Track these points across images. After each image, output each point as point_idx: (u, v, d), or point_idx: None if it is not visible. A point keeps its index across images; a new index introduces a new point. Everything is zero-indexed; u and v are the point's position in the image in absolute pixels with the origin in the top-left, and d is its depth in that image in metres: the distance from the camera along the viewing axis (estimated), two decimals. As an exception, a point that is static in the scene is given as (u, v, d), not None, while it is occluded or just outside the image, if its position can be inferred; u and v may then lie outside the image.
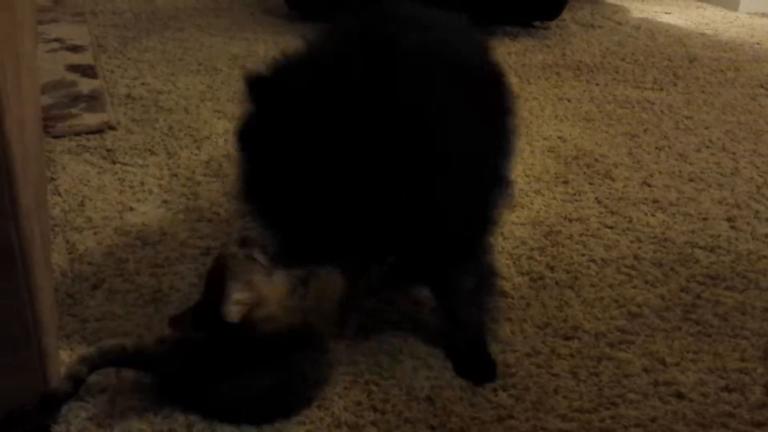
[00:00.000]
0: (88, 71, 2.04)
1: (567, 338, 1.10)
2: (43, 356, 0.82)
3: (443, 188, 0.85)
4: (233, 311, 0.91)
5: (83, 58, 2.15)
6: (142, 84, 1.99)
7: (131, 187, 1.46)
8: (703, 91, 2.14)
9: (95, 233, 1.31)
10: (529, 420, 0.96)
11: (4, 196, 0.74)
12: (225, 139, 1.68)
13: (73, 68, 2.06)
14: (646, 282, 1.25)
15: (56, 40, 2.30)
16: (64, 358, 1.01)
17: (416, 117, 0.81)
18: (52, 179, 1.48)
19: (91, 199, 1.41)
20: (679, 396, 1.01)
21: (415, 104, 0.81)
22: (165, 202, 1.42)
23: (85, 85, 1.94)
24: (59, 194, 1.43)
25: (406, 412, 0.95)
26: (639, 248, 1.34)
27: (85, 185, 1.47)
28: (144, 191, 1.45)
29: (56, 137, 1.66)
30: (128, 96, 1.90)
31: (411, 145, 0.80)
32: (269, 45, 2.32)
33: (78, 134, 1.67)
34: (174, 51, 2.26)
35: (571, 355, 1.07)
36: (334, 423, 0.93)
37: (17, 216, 0.75)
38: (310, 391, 0.95)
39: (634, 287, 1.23)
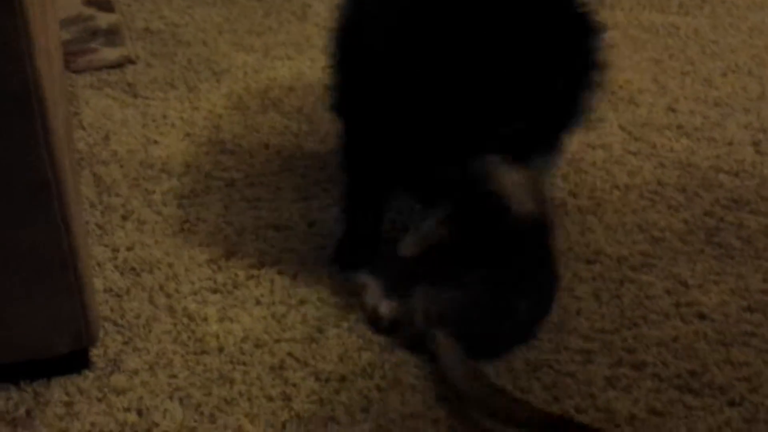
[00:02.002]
0: (104, 5, 2.02)
1: (589, 262, 1.11)
2: (79, 282, 0.85)
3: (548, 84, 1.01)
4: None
5: (99, -7, 2.13)
6: (159, 17, 1.97)
7: (154, 120, 1.47)
8: (729, 15, 2.09)
9: (121, 166, 1.33)
10: (552, 340, 0.98)
11: (38, 128, 0.76)
12: (244, 72, 1.67)
13: (90, 2, 2.04)
14: (669, 207, 1.25)
15: (71, -26, 2.28)
16: (98, 285, 1.04)
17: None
18: (76, 114, 1.49)
19: (115, 133, 1.43)
20: (701, 316, 1.02)
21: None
22: (188, 135, 1.43)
23: (103, 20, 1.93)
24: (83, 128, 1.44)
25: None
26: (662, 174, 1.34)
27: (109, 119, 1.48)
28: (167, 124, 1.46)
29: (77, 72, 1.66)
30: (146, 29, 1.89)
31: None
32: (285, -24, 2.28)
33: (98, 69, 1.67)
34: (190, -16, 2.23)
35: (593, 279, 1.08)
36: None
37: (51, 148, 0.77)
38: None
39: (657, 212, 1.23)
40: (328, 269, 1.11)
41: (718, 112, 1.56)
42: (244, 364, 0.95)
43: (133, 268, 1.10)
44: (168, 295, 1.05)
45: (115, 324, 1.00)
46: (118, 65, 1.69)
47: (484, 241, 0.95)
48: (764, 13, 2.10)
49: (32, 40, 0.75)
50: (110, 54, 1.73)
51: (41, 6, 0.94)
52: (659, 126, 1.49)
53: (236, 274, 1.10)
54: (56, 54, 1.17)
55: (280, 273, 1.10)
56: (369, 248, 1.12)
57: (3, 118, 0.76)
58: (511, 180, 0.95)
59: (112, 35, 1.82)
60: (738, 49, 1.87)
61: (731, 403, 0.91)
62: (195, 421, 0.89)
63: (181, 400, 0.91)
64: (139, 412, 0.89)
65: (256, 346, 0.98)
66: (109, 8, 1.99)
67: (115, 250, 1.13)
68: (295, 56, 1.76)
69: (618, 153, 1.40)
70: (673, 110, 1.56)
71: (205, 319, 1.02)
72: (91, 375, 0.93)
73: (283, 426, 0.88)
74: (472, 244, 0.95)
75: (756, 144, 1.44)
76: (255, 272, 1.10)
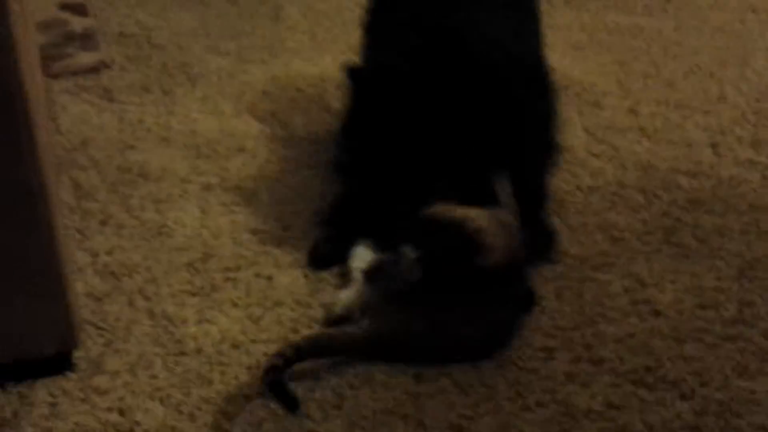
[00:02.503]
0: (79, 9, 2.03)
1: (552, 262, 1.16)
2: (63, 286, 0.88)
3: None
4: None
5: (74, -5, 2.14)
6: (134, 21, 1.99)
7: (130, 125, 1.50)
8: (693, 16, 2.15)
9: (99, 171, 1.36)
10: (516, 338, 1.03)
11: (24, 138, 0.79)
12: (219, 76, 1.70)
13: (65, 6, 2.05)
14: (629, 208, 1.30)
15: (45, -24, 2.29)
16: (79, 289, 1.08)
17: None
18: (53, 119, 1.51)
19: (92, 138, 1.45)
20: (657, 313, 1.08)
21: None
22: (164, 139, 1.46)
23: (78, 24, 1.94)
24: (61, 133, 1.46)
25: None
26: (624, 175, 1.40)
27: (86, 124, 1.50)
28: (143, 129, 1.49)
29: (53, 77, 1.68)
30: (121, 33, 1.91)
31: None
32: (259, -23, 2.31)
33: (75, 74, 1.70)
34: (164, -15, 2.25)
35: (556, 278, 1.13)
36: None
37: (36, 157, 0.80)
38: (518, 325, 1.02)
39: (618, 213, 1.29)
40: (302, 269, 1.15)
41: (679, 114, 1.62)
42: (222, 364, 0.99)
43: (112, 272, 1.13)
44: (147, 298, 1.09)
45: (97, 327, 1.03)
46: (94, 70, 1.71)
47: (449, 281, 1.00)
48: (726, 14, 2.16)
49: (17, 53, 0.78)
50: (86, 58, 1.75)
51: (23, 16, 0.97)
52: (621, 128, 1.55)
53: (213, 277, 1.13)
54: (35, 60, 1.20)
55: (256, 275, 1.14)
56: (343, 250, 1.17)
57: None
58: (479, 224, 1.00)
59: (87, 40, 1.84)
60: (700, 50, 1.93)
61: (683, 397, 0.96)
62: (175, 420, 0.93)
63: (161, 399, 0.95)
64: (121, 412, 0.93)
65: (233, 346, 1.02)
66: (83, 12, 2.01)
67: (95, 254, 1.16)
68: (269, 60, 1.79)
69: (581, 155, 1.45)
70: (635, 112, 1.62)
71: (184, 321, 1.06)
72: (74, 376, 0.97)
73: (260, 424, 0.92)
74: (436, 284, 1.00)
75: (714, 146, 1.50)
76: (232, 275, 1.14)
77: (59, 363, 0.96)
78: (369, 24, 1.38)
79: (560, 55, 1.88)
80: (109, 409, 0.93)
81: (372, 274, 1.03)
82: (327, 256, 1.16)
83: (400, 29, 1.21)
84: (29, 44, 1.01)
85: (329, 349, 0.98)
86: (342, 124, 1.30)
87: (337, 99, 1.63)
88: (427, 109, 1.10)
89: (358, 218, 1.19)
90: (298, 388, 0.96)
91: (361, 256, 1.09)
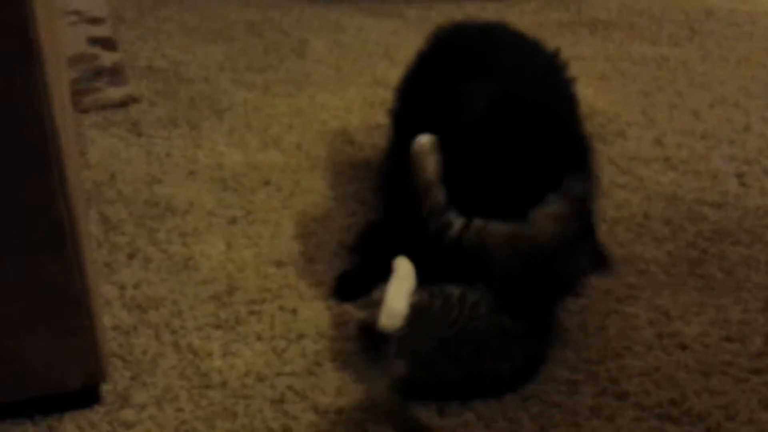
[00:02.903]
0: (108, 44, 2.09)
1: (577, 295, 1.16)
2: (92, 320, 0.90)
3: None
4: None
5: (103, 30, 2.19)
6: (162, 55, 2.04)
7: (158, 159, 1.53)
8: (718, 46, 2.15)
9: (126, 205, 1.38)
10: (540, 372, 1.02)
11: (55, 177, 0.81)
12: (245, 109, 1.73)
13: (94, 41, 2.11)
14: (654, 239, 1.30)
15: (75, 12, 2.34)
16: (107, 322, 1.09)
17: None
18: (83, 153, 1.54)
19: (120, 172, 1.48)
20: (683, 347, 1.07)
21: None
22: (191, 173, 1.49)
23: (107, 58, 1.99)
24: (90, 167, 1.50)
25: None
26: (649, 206, 1.39)
27: (114, 158, 1.53)
28: (170, 163, 1.52)
29: (83, 111, 1.72)
30: (149, 68, 1.96)
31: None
32: (284, 11, 2.35)
33: (103, 108, 1.73)
34: (190, 20, 2.30)
35: (580, 311, 1.13)
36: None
37: (67, 195, 0.82)
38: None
39: (643, 245, 1.28)
40: (326, 302, 1.16)
41: (704, 144, 1.61)
42: (246, 397, 1.00)
43: (139, 305, 1.15)
44: (173, 332, 1.10)
45: (124, 360, 1.05)
46: (123, 104, 1.75)
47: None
48: (752, 44, 2.16)
49: (50, 96, 0.81)
50: (115, 93, 1.79)
51: (56, 56, 1.00)
52: (646, 159, 1.55)
53: (238, 310, 1.15)
54: (66, 97, 1.23)
55: (280, 308, 1.15)
56: (369, 283, 1.17)
57: (23, 167, 0.82)
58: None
59: (116, 74, 1.89)
60: (726, 80, 1.93)
61: (709, 430, 0.95)
62: (199, 453, 0.93)
63: (186, 433, 0.96)
64: (147, 445, 0.94)
65: (258, 379, 1.03)
66: (112, 47, 2.06)
67: (123, 287, 1.18)
68: (295, 93, 1.82)
69: (606, 186, 1.44)
70: (661, 143, 1.61)
71: (209, 355, 1.07)
72: (101, 410, 0.98)
73: (284, 458, 0.92)
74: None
75: (740, 176, 1.49)
76: (256, 308, 1.15)
77: (87, 396, 0.97)
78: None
79: (584, 86, 1.88)
80: (135, 442, 0.94)
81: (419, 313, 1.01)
82: (354, 288, 1.17)
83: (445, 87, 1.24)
84: (61, 83, 1.04)
85: None
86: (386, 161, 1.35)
87: (360, 131, 1.65)
88: (475, 151, 1.11)
89: (388, 249, 1.19)
90: (322, 422, 0.96)
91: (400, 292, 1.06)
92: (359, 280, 1.17)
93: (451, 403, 0.99)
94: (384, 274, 1.17)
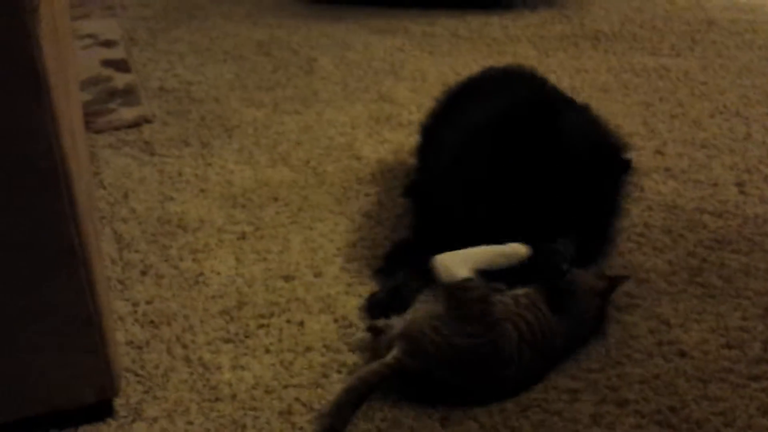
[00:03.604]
0: (121, 66, 2.14)
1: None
2: (104, 338, 0.93)
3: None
4: None
5: (116, 53, 2.25)
6: (174, 76, 2.09)
7: (170, 177, 1.57)
8: (719, 56, 2.17)
9: (139, 223, 1.42)
10: (542, 380, 1.05)
11: (65, 201, 0.85)
12: (254, 127, 1.77)
13: (108, 63, 2.16)
14: (655, 248, 1.32)
15: (89, 36, 2.40)
16: (120, 338, 1.13)
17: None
18: (97, 173, 1.59)
19: (133, 191, 1.52)
20: (682, 354, 1.09)
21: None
22: (202, 191, 1.52)
23: (120, 80, 2.04)
24: (104, 187, 1.54)
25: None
26: (649, 216, 1.41)
27: (127, 178, 1.57)
28: (182, 181, 1.56)
29: (97, 132, 1.76)
30: (161, 88, 2.00)
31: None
32: (291, 29, 2.40)
33: (117, 129, 1.78)
34: (201, 41, 2.35)
35: (581, 320, 1.15)
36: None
37: (77, 217, 0.86)
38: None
39: (643, 254, 1.31)
40: (332, 315, 1.19)
41: (705, 153, 1.63)
42: (255, 409, 1.03)
43: (152, 321, 1.18)
44: (184, 346, 1.14)
45: (136, 374, 1.08)
46: (136, 124, 1.79)
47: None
48: (753, 53, 2.18)
49: (58, 121, 0.84)
50: (128, 114, 1.84)
51: (65, 81, 1.04)
52: (647, 169, 1.57)
53: (247, 324, 1.18)
54: (78, 121, 1.27)
55: (288, 322, 1.18)
56: (400, 303, 1.20)
57: (33, 192, 0.85)
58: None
59: (129, 95, 1.94)
60: (727, 89, 1.95)
61: (708, 437, 0.97)
62: (210, 463, 0.96)
63: (197, 444, 0.99)
64: (159, 457, 0.97)
65: (266, 392, 1.06)
66: (126, 68, 2.11)
67: (135, 304, 1.21)
68: (303, 110, 1.86)
69: (607, 197, 1.47)
70: (661, 153, 1.64)
71: (219, 368, 1.10)
72: (114, 423, 1.01)
73: (292, 467, 0.95)
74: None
75: (740, 184, 1.51)
76: (265, 321, 1.18)
77: (100, 410, 1.00)
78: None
79: (587, 98, 1.91)
80: (148, 454, 0.98)
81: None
82: (386, 305, 1.19)
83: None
84: (71, 107, 1.08)
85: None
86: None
87: (367, 147, 1.69)
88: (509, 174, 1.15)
89: (417, 268, 1.22)
90: (328, 432, 0.99)
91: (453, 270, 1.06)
92: (390, 300, 1.20)
93: (453, 413, 1.01)
94: (414, 292, 1.21)
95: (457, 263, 1.03)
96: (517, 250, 1.07)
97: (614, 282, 1.15)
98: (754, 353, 1.09)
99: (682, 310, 1.17)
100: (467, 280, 1.02)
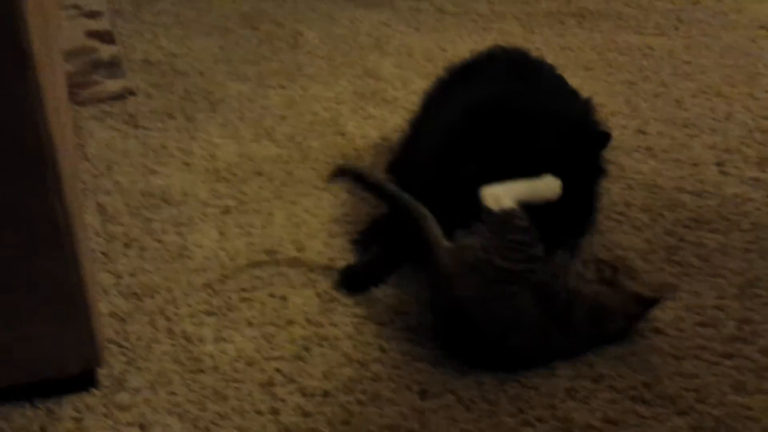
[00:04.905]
0: (106, 37, 2.12)
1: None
2: (87, 309, 0.94)
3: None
4: None
5: (101, 24, 2.23)
6: (158, 47, 2.07)
7: (154, 150, 1.57)
8: (704, 35, 2.18)
9: (123, 196, 1.42)
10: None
11: (49, 176, 0.85)
12: (239, 101, 1.77)
13: (92, 34, 2.14)
14: (634, 227, 1.34)
15: (74, 6, 2.38)
16: (103, 309, 1.14)
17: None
18: (80, 145, 1.58)
19: (117, 164, 1.52)
20: (657, 331, 1.11)
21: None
22: (185, 164, 1.52)
23: (105, 51, 2.03)
24: (87, 159, 1.54)
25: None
26: (630, 195, 1.43)
27: (111, 150, 1.57)
28: (166, 154, 1.56)
29: (80, 104, 1.76)
30: (145, 60, 1.99)
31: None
32: (277, 2, 2.38)
33: (101, 100, 1.77)
34: (186, 13, 2.33)
35: (560, 297, 1.17)
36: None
37: (62, 191, 0.86)
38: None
39: (623, 233, 1.32)
40: (314, 289, 1.20)
41: (686, 133, 1.65)
42: (237, 381, 1.04)
43: (135, 293, 1.19)
44: (167, 318, 1.15)
45: (119, 346, 1.09)
46: (120, 97, 1.79)
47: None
48: (737, 33, 2.19)
49: (43, 97, 0.84)
50: (112, 86, 1.83)
51: (49, 53, 1.04)
52: (629, 148, 1.59)
53: (230, 297, 1.19)
54: (62, 94, 1.26)
55: (270, 295, 1.19)
56: (374, 277, 1.21)
57: (18, 167, 0.85)
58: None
59: (113, 67, 1.93)
60: (710, 69, 1.96)
61: (680, 413, 0.99)
62: (192, 434, 0.98)
63: (179, 415, 1.00)
64: (142, 427, 0.99)
65: (248, 364, 1.07)
66: (110, 40, 2.10)
67: (119, 276, 1.22)
68: (287, 84, 1.85)
69: (589, 175, 1.48)
70: (643, 132, 1.65)
71: (201, 340, 1.11)
72: (98, 393, 1.02)
73: (273, 438, 0.97)
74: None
75: (720, 164, 1.53)
76: (247, 295, 1.19)
77: (84, 380, 1.02)
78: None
79: (571, 76, 1.91)
80: (131, 424, 0.99)
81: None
82: (363, 280, 1.21)
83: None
84: (56, 80, 1.07)
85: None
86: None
87: (351, 122, 1.69)
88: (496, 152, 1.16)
89: (395, 243, 1.24)
90: (308, 405, 1.01)
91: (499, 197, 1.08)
92: (365, 274, 1.21)
93: (432, 386, 1.03)
94: (389, 267, 1.22)
95: (504, 195, 1.07)
96: (552, 183, 1.11)
97: (648, 304, 1.10)
98: (728, 331, 1.11)
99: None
100: (514, 209, 1.05)
